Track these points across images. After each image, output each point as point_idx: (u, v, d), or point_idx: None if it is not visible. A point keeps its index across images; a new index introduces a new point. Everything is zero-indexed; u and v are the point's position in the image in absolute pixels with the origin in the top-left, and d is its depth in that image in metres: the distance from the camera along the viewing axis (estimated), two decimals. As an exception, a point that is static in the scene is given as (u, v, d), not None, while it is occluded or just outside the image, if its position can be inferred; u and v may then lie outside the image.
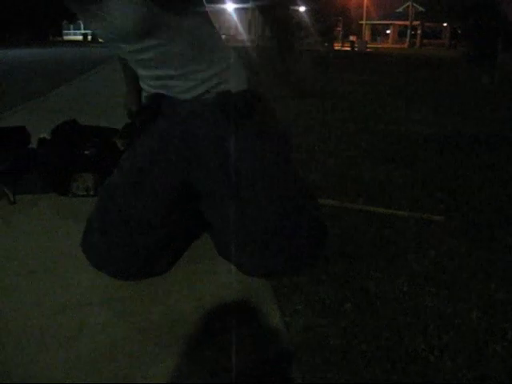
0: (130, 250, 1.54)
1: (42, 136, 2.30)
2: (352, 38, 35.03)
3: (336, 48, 27.91)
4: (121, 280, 1.60)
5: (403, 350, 1.30)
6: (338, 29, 38.74)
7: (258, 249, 1.54)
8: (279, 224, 1.53)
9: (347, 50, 27.05)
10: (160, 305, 1.51)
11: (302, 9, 22.91)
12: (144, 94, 1.64)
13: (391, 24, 50.25)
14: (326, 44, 23.67)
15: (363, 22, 45.60)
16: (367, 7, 46.14)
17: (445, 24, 42.97)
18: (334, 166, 2.87)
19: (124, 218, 1.53)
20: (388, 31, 52.28)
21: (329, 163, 2.93)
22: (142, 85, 1.62)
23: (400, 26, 48.82)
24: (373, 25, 50.49)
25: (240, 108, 1.52)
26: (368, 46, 31.14)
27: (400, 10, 48.94)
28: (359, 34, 42.05)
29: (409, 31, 42.83)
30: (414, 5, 42.53)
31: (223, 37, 1.66)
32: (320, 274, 1.64)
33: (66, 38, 45.17)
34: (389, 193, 2.43)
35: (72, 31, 53.60)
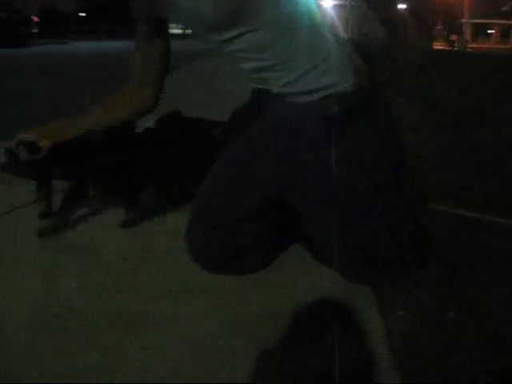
0: (228, 243, 1.55)
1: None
2: (452, 37, 33.56)
3: (436, 47, 26.82)
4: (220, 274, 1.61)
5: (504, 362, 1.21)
6: (438, 27, 37.21)
7: (363, 258, 1.48)
8: (386, 234, 1.46)
9: (447, 50, 25.90)
10: (255, 299, 1.50)
11: (403, 6, 22.21)
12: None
13: (494, 23, 47.55)
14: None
15: (464, 20, 43.54)
16: (469, 5, 44.00)
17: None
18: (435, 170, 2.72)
19: (223, 211, 1.54)
20: (490, 31, 49.51)
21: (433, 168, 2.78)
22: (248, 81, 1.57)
23: (504, 25, 46.07)
24: (475, 24, 48.03)
25: (343, 109, 1.36)
26: (469, 45, 29.69)
27: (505, 8, 46.21)
28: (460, 33, 40.19)
29: (513, 31, 40.37)
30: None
31: None
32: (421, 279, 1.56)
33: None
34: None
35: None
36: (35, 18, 18.77)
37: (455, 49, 26.48)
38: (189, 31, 1.78)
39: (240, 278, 1.60)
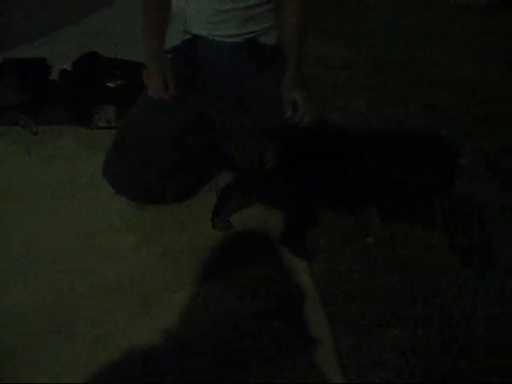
0: (146, 170, 1.58)
1: (63, 67, 2.28)
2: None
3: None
4: (141, 203, 1.66)
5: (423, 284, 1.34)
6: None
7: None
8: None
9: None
10: (184, 232, 1.56)
11: None
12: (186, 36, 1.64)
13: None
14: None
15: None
16: None
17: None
18: (359, 107, 2.81)
19: (141, 140, 1.57)
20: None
21: (354, 104, 2.86)
22: (191, 21, 1.62)
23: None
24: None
25: (263, 56, 1.59)
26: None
27: None
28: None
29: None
30: None
31: None
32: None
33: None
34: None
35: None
36: None
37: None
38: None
39: (170, 216, 1.63)
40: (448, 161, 2.01)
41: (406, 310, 1.25)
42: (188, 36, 1.63)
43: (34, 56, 2.44)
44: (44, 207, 1.67)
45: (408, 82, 2.96)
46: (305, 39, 1.63)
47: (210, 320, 1.23)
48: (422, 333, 1.20)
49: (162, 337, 1.20)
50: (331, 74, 2.94)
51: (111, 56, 2.40)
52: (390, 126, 2.28)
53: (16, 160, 1.97)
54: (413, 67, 3.13)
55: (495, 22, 4.09)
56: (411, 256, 1.45)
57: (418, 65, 3.18)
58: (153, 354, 1.16)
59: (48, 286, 1.33)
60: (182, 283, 1.34)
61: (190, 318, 1.24)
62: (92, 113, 2.20)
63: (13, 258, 1.43)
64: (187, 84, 1.58)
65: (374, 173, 1.72)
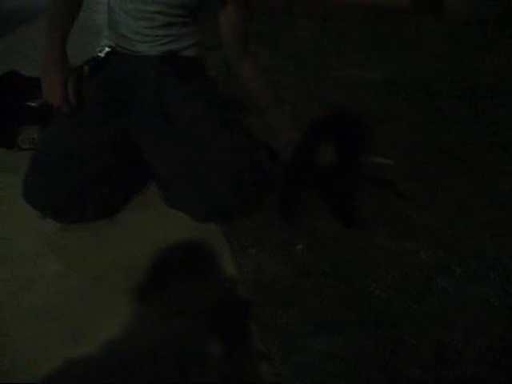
0: (66, 187, 1.52)
1: (-19, 88, 2.19)
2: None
3: None
4: (64, 222, 1.60)
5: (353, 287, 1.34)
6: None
7: (202, 188, 1.54)
8: (219, 163, 1.53)
9: None
10: (111, 252, 1.50)
11: None
12: (100, 48, 1.61)
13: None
14: None
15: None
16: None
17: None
18: None
19: (59, 156, 1.51)
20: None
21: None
22: (109, 35, 1.62)
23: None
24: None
25: (183, 67, 1.61)
26: None
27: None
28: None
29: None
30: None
31: None
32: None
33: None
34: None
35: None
36: None
37: None
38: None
39: (93, 237, 1.57)
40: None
41: (336, 316, 1.25)
42: (106, 48, 1.60)
43: None
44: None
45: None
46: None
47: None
48: (354, 337, 1.20)
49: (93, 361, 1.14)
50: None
51: (32, 75, 2.33)
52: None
53: None
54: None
55: None
56: (342, 260, 1.46)
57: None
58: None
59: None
60: (114, 307, 1.28)
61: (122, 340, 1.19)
62: (15, 134, 2.12)
63: None
64: (106, 99, 1.56)
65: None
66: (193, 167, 1.53)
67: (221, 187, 1.52)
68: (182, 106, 1.59)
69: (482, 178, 1.99)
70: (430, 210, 1.74)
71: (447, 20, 6.25)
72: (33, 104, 2.09)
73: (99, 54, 1.61)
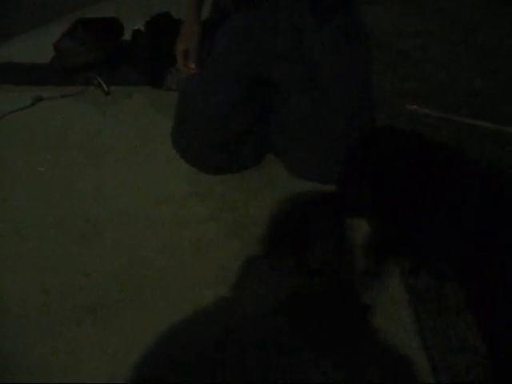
0: (208, 141, 1.55)
1: (136, 28, 2.28)
2: None
3: None
4: (210, 173, 1.64)
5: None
6: None
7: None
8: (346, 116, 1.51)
9: None
10: (256, 199, 1.54)
11: None
12: None
13: None
14: None
15: None
16: None
17: None
18: (431, 75, 2.63)
19: (200, 110, 1.52)
20: None
21: (427, 72, 2.68)
22: None
23: None
24: None
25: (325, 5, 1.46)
26: None
27: None
28: None
29: None
30: None
31: None
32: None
33: None
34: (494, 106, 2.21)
35: None
36: None
37: None
38: None
39: (240, 186, 1.60)
40: None
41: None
42: None
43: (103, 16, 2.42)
44: (116, 170, 1.69)
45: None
46: None
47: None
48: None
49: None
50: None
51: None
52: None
53: (90, 120, 2.00)
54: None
55: None
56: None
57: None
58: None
59: (120, 252, 1.35)
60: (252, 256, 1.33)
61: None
62: (165, 74, 2.20)
63: (81, 221, 1.46)
64: (242, 38, 1.51)
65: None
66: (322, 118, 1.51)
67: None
68: (324, 52, 1.49)
69: None
70: None
71: None
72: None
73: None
